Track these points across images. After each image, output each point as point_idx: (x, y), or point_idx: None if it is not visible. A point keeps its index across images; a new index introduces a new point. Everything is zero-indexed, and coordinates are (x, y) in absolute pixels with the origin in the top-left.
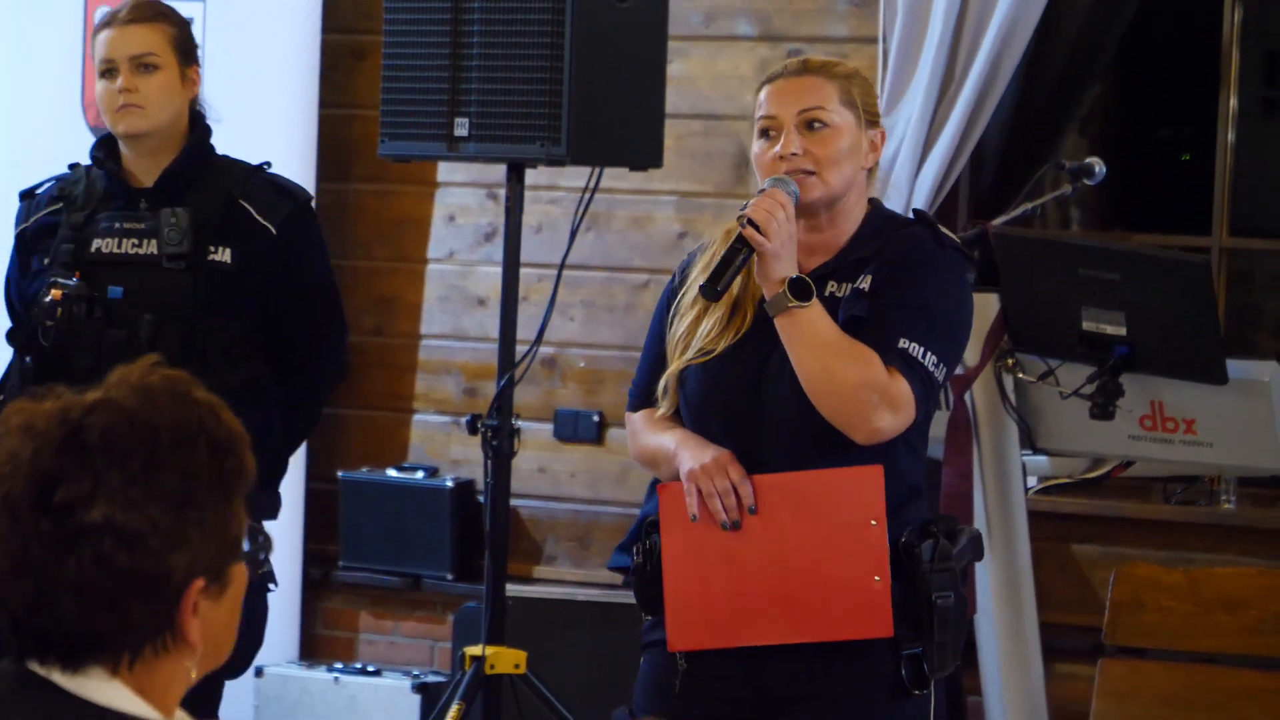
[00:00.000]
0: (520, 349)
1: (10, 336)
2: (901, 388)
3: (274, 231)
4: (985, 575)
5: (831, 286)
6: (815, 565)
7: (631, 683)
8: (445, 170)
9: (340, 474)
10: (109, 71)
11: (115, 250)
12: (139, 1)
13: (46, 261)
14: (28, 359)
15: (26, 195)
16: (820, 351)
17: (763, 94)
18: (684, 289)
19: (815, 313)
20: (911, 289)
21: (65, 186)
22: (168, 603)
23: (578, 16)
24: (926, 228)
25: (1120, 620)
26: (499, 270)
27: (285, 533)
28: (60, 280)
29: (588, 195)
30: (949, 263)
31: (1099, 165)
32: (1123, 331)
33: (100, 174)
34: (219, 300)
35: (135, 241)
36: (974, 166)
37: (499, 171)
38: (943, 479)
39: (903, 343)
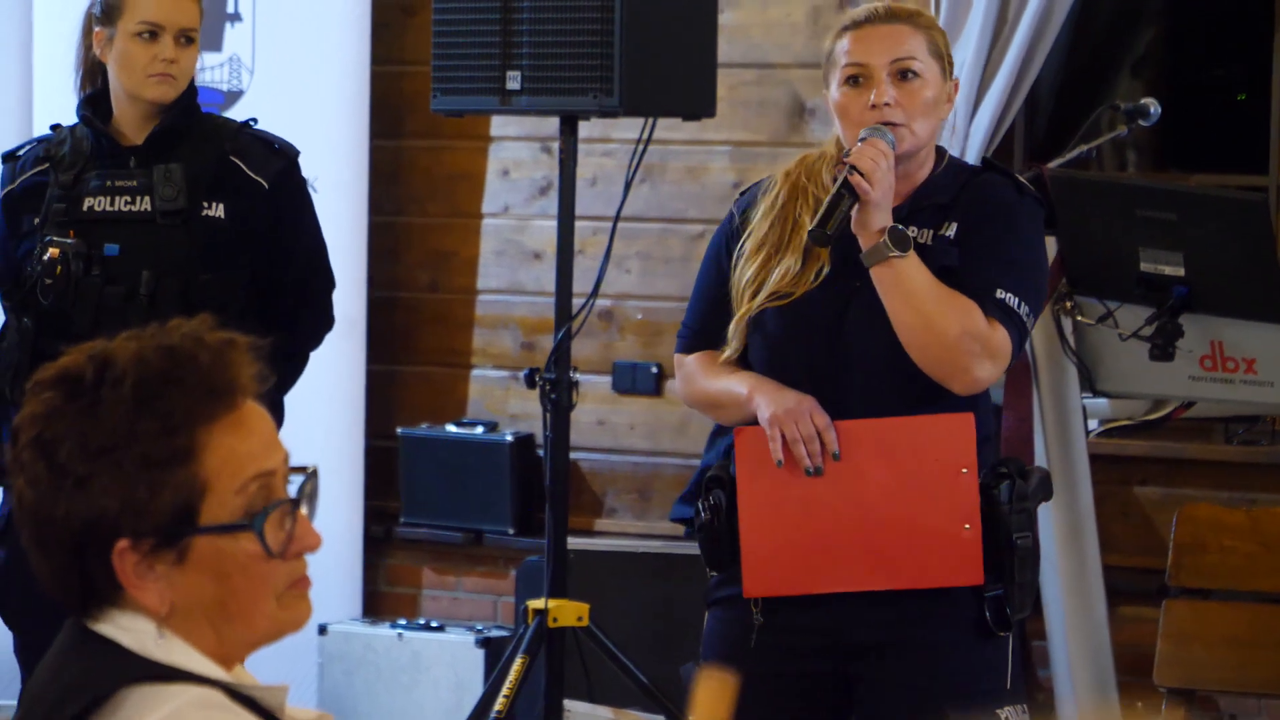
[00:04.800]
0: (577, 302)
1: (6, 297)
2: (1001, 337)
3: (266, 186)
4: (1048, 519)
5: (911, 231)
6: (903, 512)
7: (694, 634)
8: (498, 124)
9: (400, 430)
10: (151, 35)
11: (108, 208)
12: None
13: (38, 221)
14: (25, 319)
15: (9, 158)
16: (920, 302)
17: (846, 40)
18: (746, 231)
19: (913, 263)
20: (1002, 239)
21: (50, 147)
22: (84, 554)
23: None
24: (1004, 176)
25: (1183, 562)
26: (554, 224)
27: (346, 490)
28: (57, 239)
29: (641, 146)
30: (1030, 211)
31: (1154, 106)
32: (1181, 272)
33: (86, 133)
34: (213, 255)
35: (128, 199)
36: (1029, 109)
37: (552, 124)
38: (1003, 423)
39: (1000, 293)
